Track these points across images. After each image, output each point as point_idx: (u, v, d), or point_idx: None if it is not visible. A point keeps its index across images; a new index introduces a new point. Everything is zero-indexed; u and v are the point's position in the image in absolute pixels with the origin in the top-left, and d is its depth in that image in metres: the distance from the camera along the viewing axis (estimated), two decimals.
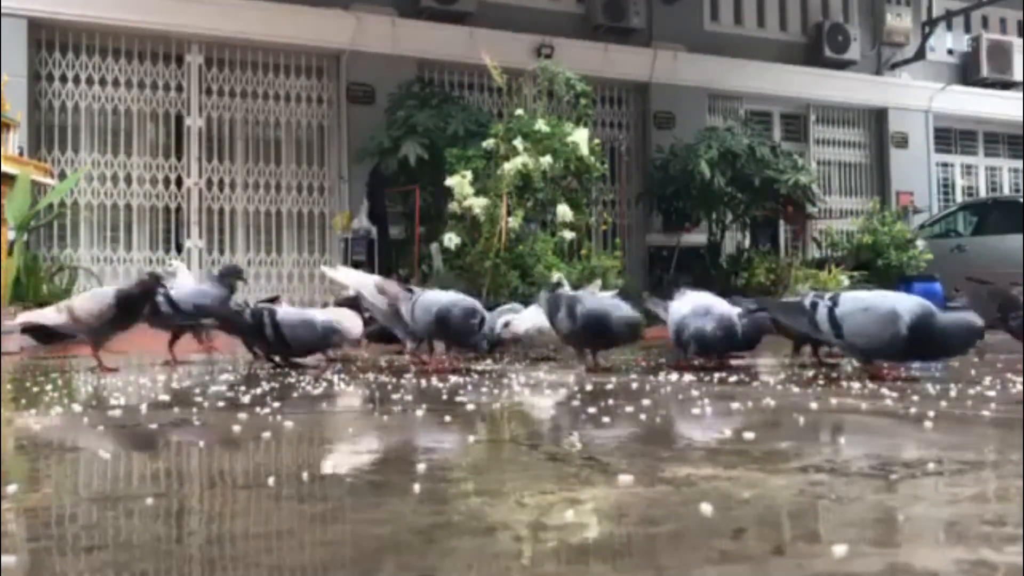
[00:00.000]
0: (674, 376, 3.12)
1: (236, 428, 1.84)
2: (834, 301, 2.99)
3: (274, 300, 4.50)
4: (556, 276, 4.80)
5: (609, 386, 2.75)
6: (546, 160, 7.61)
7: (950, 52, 13.79)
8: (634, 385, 2.79)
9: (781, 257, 10.70)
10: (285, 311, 3.99)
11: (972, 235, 10.69)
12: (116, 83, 9.30)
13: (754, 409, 2.15)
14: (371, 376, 3.29)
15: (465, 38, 9.92)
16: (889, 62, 13.10)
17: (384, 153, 8.85)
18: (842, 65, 12.55)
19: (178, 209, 9.49)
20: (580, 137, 7.84)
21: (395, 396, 2.49)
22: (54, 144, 9.04)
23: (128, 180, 9.30)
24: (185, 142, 9.53)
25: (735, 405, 2.23)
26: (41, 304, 5.39)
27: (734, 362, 3.74)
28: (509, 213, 7.54)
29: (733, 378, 3.05)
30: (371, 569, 0.85)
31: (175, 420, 2.04)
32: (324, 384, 2.91)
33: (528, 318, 4.29)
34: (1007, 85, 13.46)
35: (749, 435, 1.61)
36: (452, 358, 3.77)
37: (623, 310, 3.51)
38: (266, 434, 1.73)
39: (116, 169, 9.26)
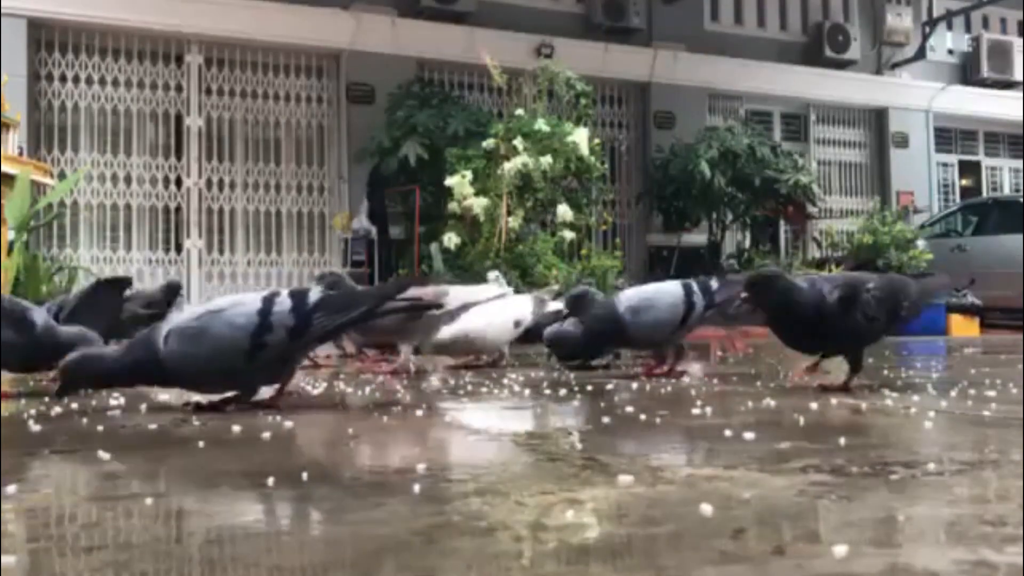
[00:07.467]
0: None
1: None
2: None
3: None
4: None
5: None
6: (546, 160, 7.60)
7: (950, 52, 13.76)
8: None
9: (781, 257, 10.70)
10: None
11: (972, 235, 10.69)
12: (116, 83, 9.28)
13: None
14: None
15: (465, 38, 9.89)
16: (889, 62, 13.09)
17: (384, 153, 8.84)
18: (842, 65, 12.53)
19: (178, 209, 9.48)
20: (580, 137, 7.83)
21: None
22: (54, 144, 9.02)
23: (128, 180, 9.29)
24: (185, 142, 9.52)
25: None
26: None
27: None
28: (509, 213, 7.54)
29: None
30: None
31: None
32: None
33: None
34: (1007, 85, 13.45)
35: None
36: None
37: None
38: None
39: (116, 169, 9.25)
